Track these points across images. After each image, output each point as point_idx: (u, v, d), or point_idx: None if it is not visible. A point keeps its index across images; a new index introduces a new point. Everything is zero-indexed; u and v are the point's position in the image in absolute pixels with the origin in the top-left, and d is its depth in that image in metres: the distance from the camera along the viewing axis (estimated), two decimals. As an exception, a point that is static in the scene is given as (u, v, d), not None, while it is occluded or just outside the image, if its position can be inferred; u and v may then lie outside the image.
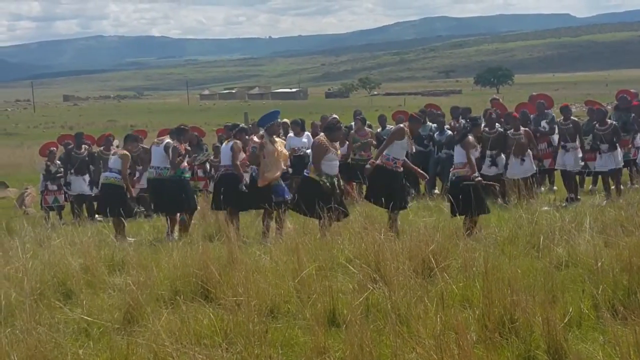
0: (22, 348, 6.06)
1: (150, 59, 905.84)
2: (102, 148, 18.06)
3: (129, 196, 14.19)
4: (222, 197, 12.85)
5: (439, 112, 18.19)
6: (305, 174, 12.00)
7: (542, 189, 16.62)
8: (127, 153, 14.15)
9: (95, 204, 17.57)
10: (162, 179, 13.58)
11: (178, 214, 13.63)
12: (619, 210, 11.08)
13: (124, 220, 13.69)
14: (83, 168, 17.80)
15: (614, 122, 15.20)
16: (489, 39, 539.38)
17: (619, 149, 14.97)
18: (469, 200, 11.00)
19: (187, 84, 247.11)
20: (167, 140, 13.79)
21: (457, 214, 11.25)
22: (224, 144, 13.60)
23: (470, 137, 11.50)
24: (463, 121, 16.87)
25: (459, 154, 11.46)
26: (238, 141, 13.21)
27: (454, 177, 11.44)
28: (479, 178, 11.45)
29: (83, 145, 18.20)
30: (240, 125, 14.23)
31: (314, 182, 11.60)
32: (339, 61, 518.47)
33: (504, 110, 17.67)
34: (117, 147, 18.29)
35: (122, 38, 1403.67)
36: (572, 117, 15.46)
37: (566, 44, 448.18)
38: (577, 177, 15.94)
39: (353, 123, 17.73)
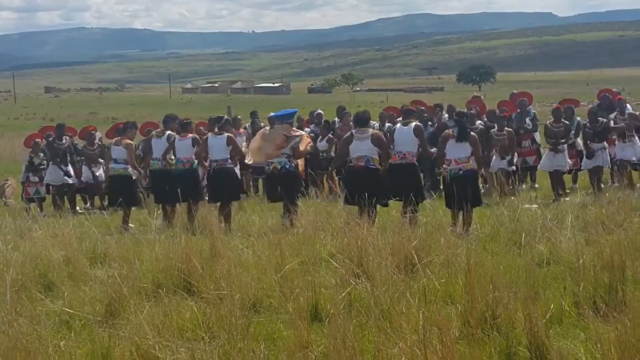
0: (3, 340, 6.02)
1: (132, 52, 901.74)
2: (85, 143, 18.01)
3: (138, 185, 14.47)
4: (217, 191, 13.22)
5: (423, 108, 18.15)
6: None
7: (524, 186, 16.69)
8: (131, 142, 14.31)
9: (77, 195, 17.68)
10: (168, 170, 13.82)
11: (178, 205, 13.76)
12: (600, 208, 11.15)
13: (124, 209, 13.89)
14: (64, 159, 17.69)
15: (604, 120, 15.27)
16: (472, 37, 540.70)
17: (607, 149, 15.09)
18: (474, 194, 11.32)
19: (170, 77, 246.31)
20: (169, 132, 13.96)
21: (461, 207, 11.26)
22: (211, 137, 13.50)
23: (474, 134, 11.81)
24: (446, 116, 16.93)
25: (462, 149, 11.52)
26: (230, 134, 13.48)
27: (460, 172, 11.49)
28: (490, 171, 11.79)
29: (64, 137, 18.08)
30: (225, 118, 14.24)
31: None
32: (321, 56, 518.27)
33: (483, 108, 17.72)
34: (101, 139, 18.28)
35: (104, 30, 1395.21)
36: (563, 120, 15.46)
37: (548, 42, 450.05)
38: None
39: (337, 119, 17.77)
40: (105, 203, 17.84)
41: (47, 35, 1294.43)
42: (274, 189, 12.99)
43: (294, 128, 13.74)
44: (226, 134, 13.33)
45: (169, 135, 13.91)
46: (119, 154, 14.18)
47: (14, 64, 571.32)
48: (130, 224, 13.70)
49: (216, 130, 13.64)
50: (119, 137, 14.65)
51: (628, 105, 17.31)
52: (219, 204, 13.40)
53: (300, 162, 13.51)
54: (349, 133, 12.51)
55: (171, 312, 6.77)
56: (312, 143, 13.82)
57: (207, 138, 13.52)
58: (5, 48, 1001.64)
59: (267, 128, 14.24)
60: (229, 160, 13.35)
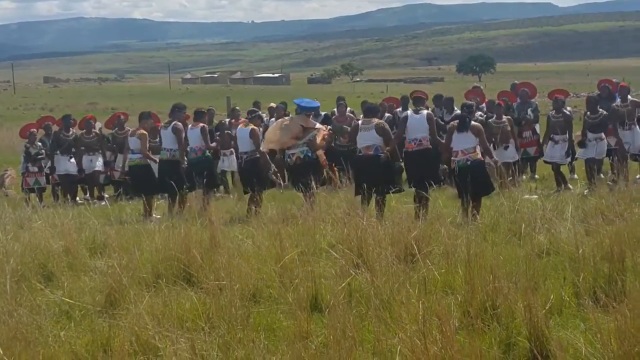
0: (3, 330, 6.03)
1: (131, 42, 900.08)
2: (83, 131, 18.01)
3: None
4: (248, 181, 13.54)
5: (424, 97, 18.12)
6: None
7: (524, 177, 16.68)
8: (145, 132, 14.40)
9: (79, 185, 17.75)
10: (177, 160, 13.99)
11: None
12: (599, 199, 11.13)
13: (147, 198, 13.98)
14: (69, 150, 17.69)
15: (604, 112, 15.20)
16: (471, 27, 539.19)
17: (605, 139, 14.99)
18: (484, 183, 11.59)
19: (169, 68, 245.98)
20: (174, 122, 14.17)
21: (470, 197, 11.36)
22: (240, 128, 14.02)
23: (476, 123, 11.95)
24: (444, 110, 16.91)
25: (466, 139, 11.64)
26: (255, 127, 13.80)
27: (468, 162, 11.61)
28: (496, 159, 12.55)
29: (70, 128, 18.09)
30: (258, 112, 14.44)
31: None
32: (321, 47, 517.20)
33: (483, 98, 17.72)
34: (100, 129, 18.28)
35: (103, 20, 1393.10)
36: (564, 110, 15.43)
37: (548, 33, 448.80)
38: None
39: (335, 109, 17.77)
40: (104, 194, 17.91)
41: (46, 25, 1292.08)
42: (298, 179, 13.11)
43: (312, 121, 13.82)
44: (250, 127, 13.64)
45: (174, 125, 14.02)
46: (135, 144, 14.35)
47: (13, 54, 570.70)
48: (155, 215, 13.85)
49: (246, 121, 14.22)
50: (135, 128, 14.86)
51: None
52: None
53: (321, 152, 13.60)
54: (354, 124, 12.84)
55: (171, 303, 6.78)
56: (328, 136, 13.88)
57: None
58: (3, 38, 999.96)
59: (287, 118, 14.42)
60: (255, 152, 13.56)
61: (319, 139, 13.31)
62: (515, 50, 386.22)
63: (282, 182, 14.46)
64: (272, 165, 13.51)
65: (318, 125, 13.70)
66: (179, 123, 14.22)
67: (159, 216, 13.53)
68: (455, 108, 16.87)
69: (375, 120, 12.37)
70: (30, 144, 18.07)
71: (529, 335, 5.88)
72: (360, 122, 12.52)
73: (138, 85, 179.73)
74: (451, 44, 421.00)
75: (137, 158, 14.33)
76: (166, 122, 14.62)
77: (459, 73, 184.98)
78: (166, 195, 14.24)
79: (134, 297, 6.94)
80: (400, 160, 12.78)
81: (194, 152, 14.11)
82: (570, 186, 14.80)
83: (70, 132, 17.92)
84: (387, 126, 12.60)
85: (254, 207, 12.82)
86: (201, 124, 14.18)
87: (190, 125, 14.46)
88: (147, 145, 14.38)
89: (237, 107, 19.35)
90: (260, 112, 14.70)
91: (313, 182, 12.34)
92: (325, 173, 13.43)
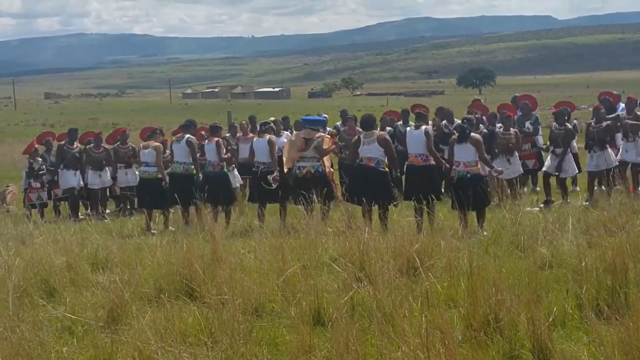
0: (6, 346, 6.02)
1: (132, 57, 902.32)
2: (92, 145, 17.95)
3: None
4: (263, 193, 13.65)
5: (426, 114, 18.12)
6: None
7: (525, 189, 16.67)
8: (160, 144, 14.69)
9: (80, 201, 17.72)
10: (189, 173, 14.22)
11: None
12: (602, 211, 11.13)
13: (163, 211, 14.39)
14: (74, 163, 17.67)
15: (609, 122, 15.17)
16: (471, 40, 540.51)
17: (609, 150, 14.95)
18: (482, 195, 11.64)
19: (170, 83, 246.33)
20: (187, 136, 14.33)
21: (468, 209, 11.65)
22: (256, 140, 14.17)
23: (475, 135, 12.11)
24: (445, 122, 16.91)
25: (466, 151, 11.89)
26: (272, 136, 13.97)
27: (468, 175, 11.84)
28: (500, 169, 12.75)
29: (75, 142, 18.07)
30: (270, 124, 14.58)
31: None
32: (321, 61, 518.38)
33: (485, 111, 17.73)
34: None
35: (103, 36, 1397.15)
36: (566, 123, 15.41)
37: (547, 45, 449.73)
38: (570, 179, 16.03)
39: (340, 123, 17.76)
40: (107, 210, 17.90)
41: (47, 41, 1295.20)
42: (300, 192, 13.05)
43: (317, 132, 13.88)
44: (267, 137, 13.81)
45: (187, 139, 14.23)
46: (149, 158, 14.54)
47: (14, 70, 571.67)
48: (170, 227, 13.95)
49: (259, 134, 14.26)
50: (147, 142, 15.15)
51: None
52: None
53: (328, 164, 13.78)
54: (356, 137, 12.87)
55: (173, 317, 6.75)
56: (335, 142, 13.97)
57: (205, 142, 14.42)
58: (4, 54, 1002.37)
59: (294, 134, 14.74)
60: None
61: (325, 145, 13.47)
62: (515, 63, 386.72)
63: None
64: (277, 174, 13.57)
65: (320, 133, 13.74)
66: (192, 137, 14.43)
67: (155, 231, 13.56)
68: (456, 120, 16.88)
69: (377, 132, 12.53)
70: (32, 159, 18.06)
71: (532, 348, 5.87)
72: (362, 135, 12.57)
73: (139, 100, 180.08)
74: (451, 57, 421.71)
75: (152, 171, 14.57)
76: (178, 135, 14.76)
77: (459, 86, 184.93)
78: (179, 207, 14.30)
79: (136, 312, 6.94)
80: (400, 172, 13.01)
81: (212, 166, 14.28)
82: (570, 199, 14.76)
83: (75, 146, 17.89)
84: (388, 137, 12.77)
85: (283, 215, 13.35)
86: (215, 139, 14.33)
87: (207, 140, 14.70)
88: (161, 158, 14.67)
89: (236, 124, 19.30)
90: (272, 124, 14.80)
91: (316, 196, 12.41)
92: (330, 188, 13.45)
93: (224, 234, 10.27)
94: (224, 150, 14.53)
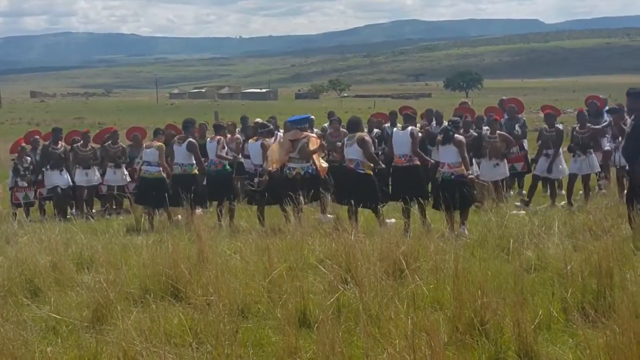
0: (-11, 345, 5.98)
1: (119, 57, 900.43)
2: (79, 144, 17.87)
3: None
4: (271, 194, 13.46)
5: (413, 115, 18.12)
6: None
7: (512, 192, 16.70)
8: (162, 144, 14.71)
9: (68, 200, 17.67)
10: (188, 174, 14.26)
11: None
12: (587, 214, 11.17)
13: (165, 209, 14.42)
14: (60, 163, 17.56)
15: (594, 127, 15.23)
16: (459, 43, 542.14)
17: (593, 155, 15.02)
18: (466, 195, 11.75)
19: (157, 83, 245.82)
20: (190, 139, 14.33)
21: (454, 209, 11.69)
22: (251, 143, 14.27)
23: (458, 136, 12.14)
24: (434, 124, 16.94)
25: (450, 152, 11.94)
26: (267, 140, 13.96)
27: (452, 176, 11.88)
28: (472, 176, 12.52)
29: (59, 142, 17.94)
30: (270, 127, 14.77)
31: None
32: (309, 62, 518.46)
33: (472, 114, 17.74)
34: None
35: (91, 35, 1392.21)
36: (556, 125, 15.48)
37: (535, 49, 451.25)
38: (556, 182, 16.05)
39: (327, 124, 17.72)
40: (93, 210, 17.82)
41: (33, 39, 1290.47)
42: (293, 192, 13.03)
43: (303, 131, 13.86)
44: (261, 140, 13.89)
45: (189, 142, 14.27)
46: (152, 157, 14.61)
47: (0, 69, 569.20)
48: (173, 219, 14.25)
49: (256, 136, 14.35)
50: (150, 141, 15.24)
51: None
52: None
53: (319, 162, 13.77)
54: (345, 139, 12.88)
55: (158, 318, 6.73)
56: (322, 142, 13.95)
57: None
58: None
59: (282, 136, 14.80)
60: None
61: (311, 146, 13.44)
62: (502, 67, 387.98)
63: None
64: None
65: (306, 133, 13.73)
66: (193, 140, 14.42)
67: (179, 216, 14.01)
68: (445, 122, 16.91)
69: (357, 134, 12.49)
70: (19, 158, 17.96)
71: (518, 351, 5.88)
72: (346, 138, 12.66)
73: (125, 100, 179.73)
74: (438, 60, 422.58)
75: (155, 171, 14.63)
76: (179, 137, 14.74)
77: (446, 89, 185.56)
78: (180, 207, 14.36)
79: (121, 312, 6.92)
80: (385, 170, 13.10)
81: (214, 165, 14.46)
82: (557, 203, 14.81)
83: (59, 145, 17.78)
84: (367, 138, 12.71)
85: (286, 216, 13.16)
86: (217, 138, 14.49)
87: (209, 139, 14.88)
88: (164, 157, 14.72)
89: (222, 124, 19.25)
90: (272, 127, 14.83)
91: (303, 198, 12.43)
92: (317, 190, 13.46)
93: (210, 234, 10.23)
94: (226, 148, 14.66)
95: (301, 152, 13.33)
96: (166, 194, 13.98)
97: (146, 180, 14.85)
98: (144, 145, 15.52)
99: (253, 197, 13.97)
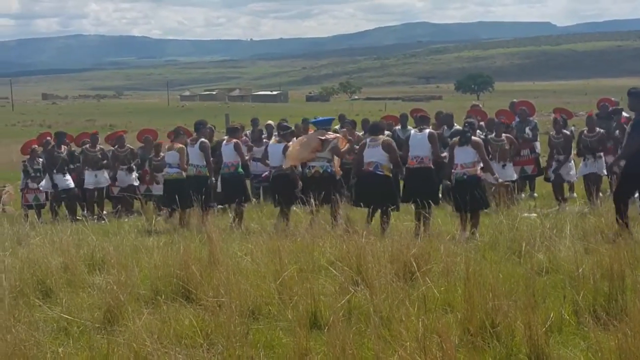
0: (1, 346, 6.00)
1: (130, 59, 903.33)
2: (87, 145, 17.97)
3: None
4: (279, 196, 13.60)
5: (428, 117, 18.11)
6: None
7: (523, 195, 16.68)
8: (183, 146, 14.73)
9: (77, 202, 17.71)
10: (203, 175, 14.36)
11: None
12: (599, 217, 11.13)
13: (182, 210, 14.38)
14: (63, 167, 17.62)
15: (602, 130, 15.22)
16: (470, 46, 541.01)
17: (603, 157, 15.02)
18: (479, 197, 11.71)
19: (167, 85, 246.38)
20: (202, 140, 14.47)
21: (465, 211, 11.77)
22: (272, 144, 14.50)
23: (476, 138, 12.25)
24: (445, 127, 16.92)
25: (466, 154, 11.94)
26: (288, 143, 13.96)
27: (465, 176, 11.90)
28: (496, 175, 12.76)
29: (63, 145, 17.99)
30: (291, 129, 14.88)
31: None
32: (319, 65, 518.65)
33: (484, 117, 17.74)
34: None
35: (102, 37, 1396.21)
36: (563, 131, 15.46)
37: (546, 52, 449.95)
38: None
39: (338, 127, 17.72)
40: (104, 211, 17.88)
41: (45, 42, 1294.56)
42: (310, 192, 13.04)
43: (329, 132, 13.90)
44: (284, 144, 13.92)
45: (201, 143, 14.38)
46: (173, 159, 14.64)
47: (12, 71, 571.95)
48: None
49: (277, 137, 14.56)
50: (172, 143, 15.26)
51: (624, 114, 17.15)
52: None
53: (337, 163, 13.77)
54: (363, 141, 13.00)
55: (169, 319, 6.75)
56: (349, 143, 13.96)
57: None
58: (3, 55, 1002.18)
59: (304, 136, 14.60)
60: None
61: (341, 144, 13.52)
62: (513, 69, 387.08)
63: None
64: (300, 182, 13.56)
65: (334, 134, 13.77)
66: (206, 140, 14.57)
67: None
68: (455, 125, 16.90)
69: (382, 137, 12.62)
70: (31, 160, 18.03)
71: (529, 354, 5.86)
72: (368, 139, 12.69)
73: (136, 102, 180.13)
74: (449, 63, 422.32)
75: (174, 172, 14.68)
76: (192, 139, 14.81)
77: (457, 91, 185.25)
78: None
79: (133, 313, 6.93)
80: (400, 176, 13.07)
81: (227, 167, 14.44)
82: (567, 206, 14.77)
83: (62, 149, 17.82)
84: (393, 143, 12.82)
85: (284, 221, 13.12)
86: (234, 140, 14.46)
87: (224, 142, 14.78)
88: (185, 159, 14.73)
89: (237, 125, 19.27)
90: (293, 128, 14.87)
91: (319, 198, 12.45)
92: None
93: (222, 236, 10.23)
94: (245, 150, 14.72)
95: (334, 151, 13.31)
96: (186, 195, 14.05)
97: (168, 182, 14.95)
98: (166, 147, 15.58)
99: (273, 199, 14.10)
